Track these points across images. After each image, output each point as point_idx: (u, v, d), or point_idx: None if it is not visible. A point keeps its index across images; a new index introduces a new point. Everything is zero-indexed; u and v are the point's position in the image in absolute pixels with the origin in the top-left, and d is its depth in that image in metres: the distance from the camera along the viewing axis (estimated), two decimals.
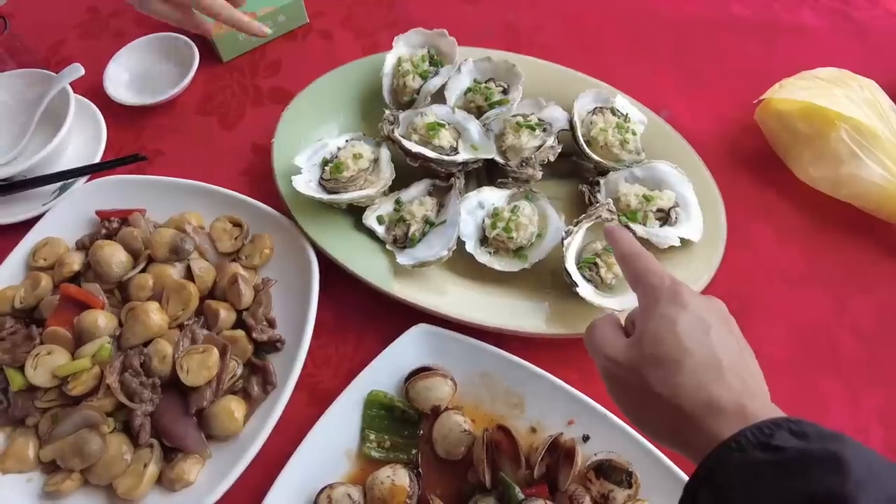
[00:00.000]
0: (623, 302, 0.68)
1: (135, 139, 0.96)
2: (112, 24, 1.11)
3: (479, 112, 0.85)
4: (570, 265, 0.70)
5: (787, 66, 0.89)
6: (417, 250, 0.74)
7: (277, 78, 1.02)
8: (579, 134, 0.81)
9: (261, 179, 0.88)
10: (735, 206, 0.81)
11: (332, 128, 0.87)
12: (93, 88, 0.99)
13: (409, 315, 0.72)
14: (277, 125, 0.87)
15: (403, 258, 0.73)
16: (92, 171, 0.89)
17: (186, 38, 1.00)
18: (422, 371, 0.68)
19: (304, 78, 0.93)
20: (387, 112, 0.82)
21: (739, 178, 0.86)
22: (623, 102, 0.85)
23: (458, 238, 0.73)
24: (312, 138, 0.84)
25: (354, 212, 0.79)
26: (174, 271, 0.77)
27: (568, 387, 0.67)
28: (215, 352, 0.70)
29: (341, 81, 0.90)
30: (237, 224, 0.81)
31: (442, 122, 0.80)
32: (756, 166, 0.87)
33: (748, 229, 0.82)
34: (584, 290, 0.69)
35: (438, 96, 0.87)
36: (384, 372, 0.70)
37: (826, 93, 0.80)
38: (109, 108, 0.97)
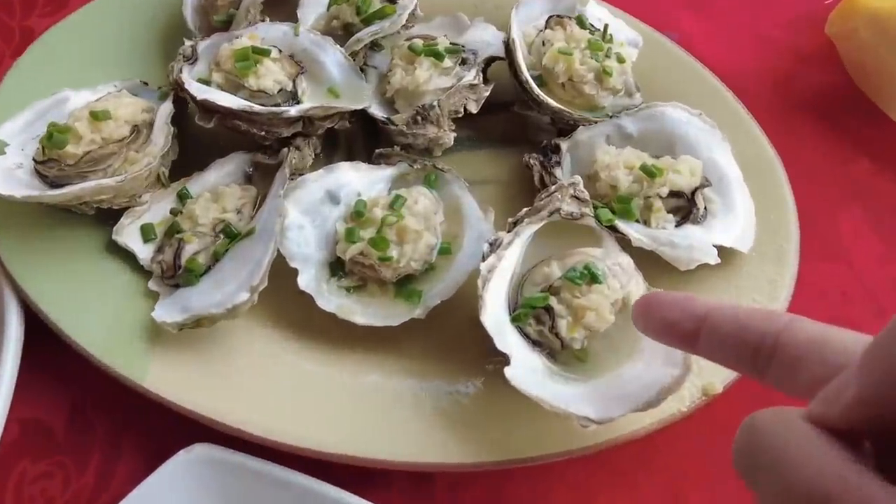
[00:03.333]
0: (603, 399, 0.31)
1: None
2: None
3: (347, 35, 0.49)
4: (493, 317, 0.33)
5: None
6: (198, 292, 0.37)
7: (66, 14, 0.65)
8: (521, 62, 0.45)
9: None
10: (803, 185, 0.45)
11: (104, 78, 0.51)
12: None
13: (189, 424, 0.36)
14: (4, 77, 0.51)
15: (166, 309, 0.37)
16: None
17: None
18: None
19: None
20: (186, 43, 0.46)
21: (804, 136, 0.53)
22: (599, 12, 0.50)
23: (275, 262, 0.37)
24: None
25: (113, 221, 0.43)
26: None
27: None
28: None
29: (123, 6, 0.54)
30: None
31: (265, 48, 0.44)
32: (831, 115, 0.53)
33: (833, 223, 0.47)
34: (519, 369, 0.32)
35: (287, 16, 0.50)
36: None
37: None
38: None
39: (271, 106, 0.43)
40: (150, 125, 0.45)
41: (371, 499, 0.34)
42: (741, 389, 0.37)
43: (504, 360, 0.34)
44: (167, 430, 0.39)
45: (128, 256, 0.43)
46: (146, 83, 0.49)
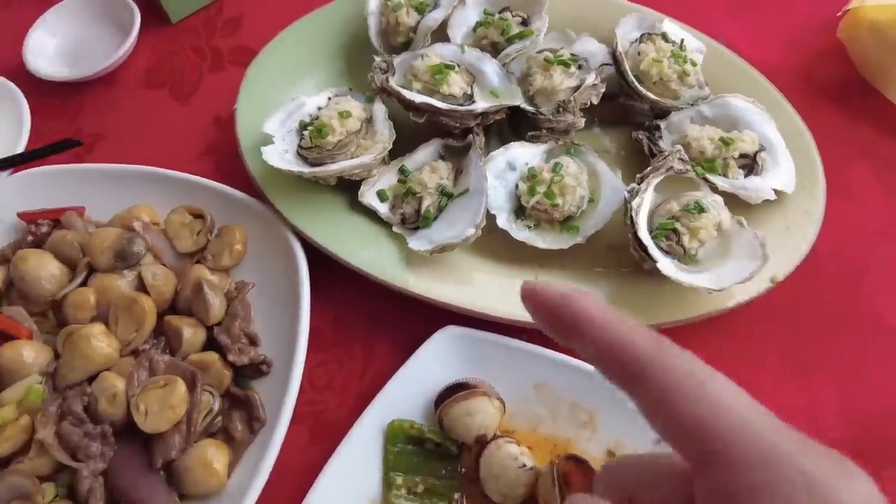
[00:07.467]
0: (717, 279, 0.51)
1: (68, 122, 0.78)
2: None
3: (494, 51, 0.67)
4: (645, 234, 0.53)
5: None
6: (434, 231, 0.57)
7: (239, 36, 0.84)
8: (627, 68, 0.64)
9: (227, 158, 0.71)
10: (826, 147, 0.64)
11: (309, 86, 0.69)
12: (12, 64, 0.80)
13: (432, 316, 0.56)
14: (241, 86, 0.69)
15: (417, 242, 0.56)
16: (12, 164, 0.71)
17: None
18: (457, 390, 0.51)
19: (272, 33, 0.75)
20: (377, 58, 0.64)
21: (824, 113, 0.70)
22: (673, 28, 0.68)
23: (487, 211, 0.56)
24: (286, 100, 0.65)
25: (347, 188, 0.62)
26: (123, 282, 0.59)
27: None
28: (181, 384, 0.53)
29: (317, 28, 0.73)
30: (198, 215, 0.64)
31: (450, 63, 0.62)
32: (843, 97, 0.71)
33: (847, 175, 0.65)
34: (666, 265, 0.52)
35: (440, 36, 0.69)
36: (407, 394, 0.53)
37: None
38: (33, 86, 0.78)
39: (459, 105, 0.62)
40: (368, 120, 0.63)
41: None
42: (796, 279, 0.56)
43: (643, 261, 0.53)
44: (415, 324, 0.57)
45: (367, 211, 0.61)
46: (351, 89, 0.67)
